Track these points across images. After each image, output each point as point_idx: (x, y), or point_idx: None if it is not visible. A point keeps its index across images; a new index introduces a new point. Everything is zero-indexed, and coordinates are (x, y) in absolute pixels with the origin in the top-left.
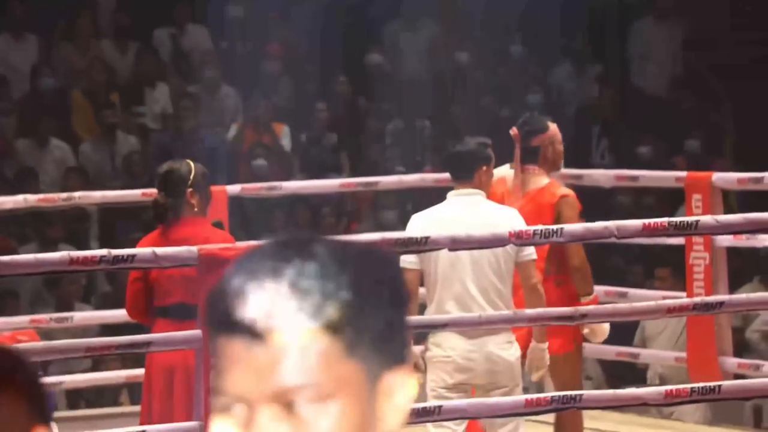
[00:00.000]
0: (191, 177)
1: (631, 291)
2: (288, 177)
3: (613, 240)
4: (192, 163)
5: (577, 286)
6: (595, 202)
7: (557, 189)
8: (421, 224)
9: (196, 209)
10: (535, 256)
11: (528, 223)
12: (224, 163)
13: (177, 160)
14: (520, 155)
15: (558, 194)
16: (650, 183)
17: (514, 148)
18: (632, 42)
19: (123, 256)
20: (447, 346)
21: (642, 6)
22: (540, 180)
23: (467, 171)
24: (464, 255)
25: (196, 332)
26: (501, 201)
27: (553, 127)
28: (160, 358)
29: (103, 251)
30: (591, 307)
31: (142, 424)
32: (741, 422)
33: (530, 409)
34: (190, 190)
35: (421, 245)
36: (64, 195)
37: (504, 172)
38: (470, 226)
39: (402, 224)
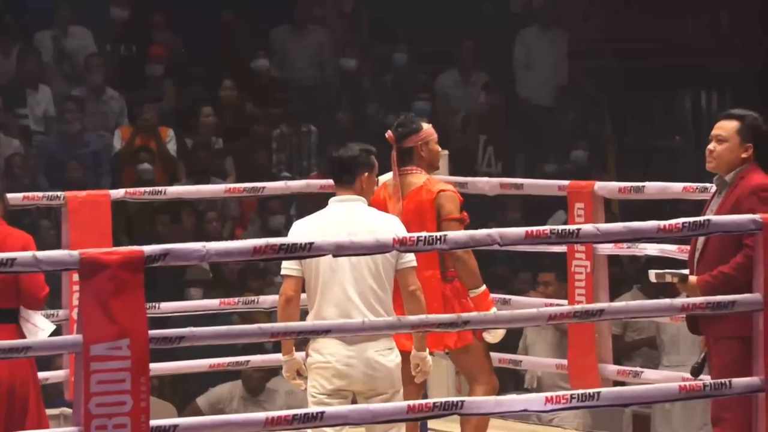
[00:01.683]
0: None
1: (514, 298)
2: (173, 181)
3: (496, 247)
4: None
5: (464, 281)
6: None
7: (434, 185)
8: (301, 231)
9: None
10: (414, 264)
11: (411, 222)
12: (108, 167)
13: None
14: (397, 157)
15: (435, 190)
16: (534, 191)
17: (392, 152)
18: (517, 51)
19: (3, 260)
20: (326, 353)
21: (527, 15)
22: (418, 179)
23: (349, 176)
24: (344, 261)
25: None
26: (384, 205)
27: (427, 127)
28: None
29: None
30: (473, 314)
31: None
32: (620, 429)
33: (412, 415)
34: None
35: (306, 251)
36: None
37: (387, 177)
38: (350, 233)
39: (288, 230)
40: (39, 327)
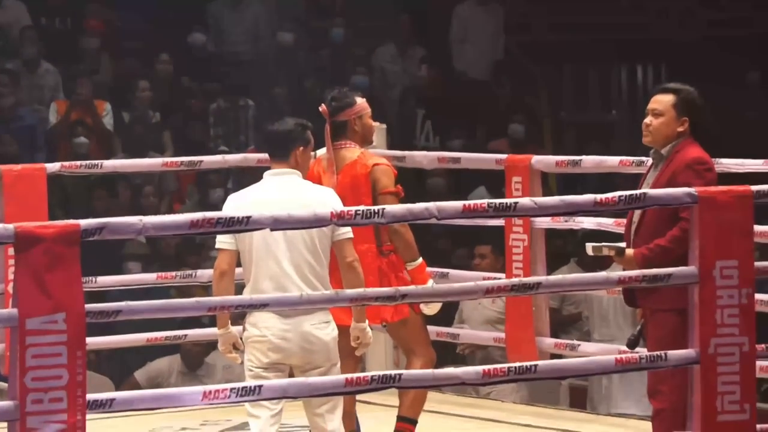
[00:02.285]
0: None
1: (453, 272)
2: (109, 155)
3: (434, 221)
4: None
5: (400, 254)
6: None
7: (369, 159)
8: (235, 204)
9: None
10: (350, 235)
11: (346, 196)
12: (43, 141)
13: None
14: (330, 131)
15: (370, 164)
16: (471, 165)
17: (325, 126)
18: (454, 25)
19: None
20: (262, 326)
21: None
22: (352, 153)
23: (283, 150)
24: (278, 234)
25: None
26: (318, 179)
27: (360, 101)
28: None
29: None
30: (411, 287)
31: None
32: (557, 402)
33: (350, 389)
34: None
35: (243, 225)
36: None
37: (322, 152)
38: (285, 206)
39: None
40: None
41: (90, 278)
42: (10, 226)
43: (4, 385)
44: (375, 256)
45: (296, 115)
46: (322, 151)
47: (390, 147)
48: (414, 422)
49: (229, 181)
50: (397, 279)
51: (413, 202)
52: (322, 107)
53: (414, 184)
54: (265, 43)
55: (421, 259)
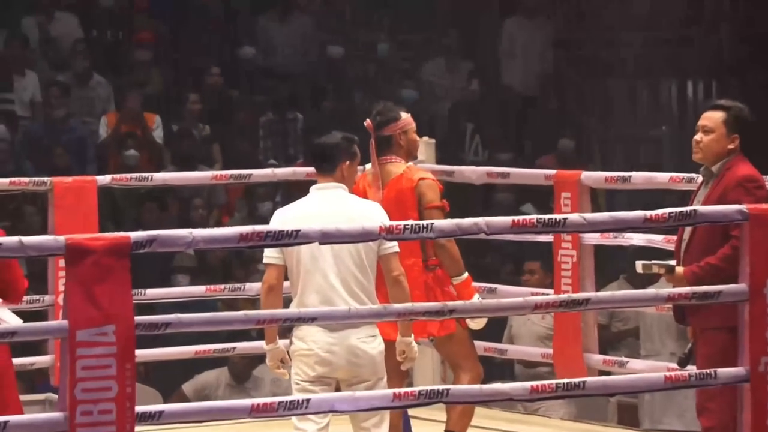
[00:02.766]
0: None
1: (501, 287)
2: (159, 168)
3: (482, 236)
4: None
5: (446, 269)
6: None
7: (415, 173)
8: (282, 218)
9: None
10: (397, 249)
11: (391, 211)
12: (94, 154)
13: None
14: (376, 146)
15: (415, 178)
16: (520, 180)
17: (370, 140)
18: (503, 39)
19: None
20: (309, 340)
21: (512, 4)
22: (398, 168)
23: (330, 164)
24: (326, 248)
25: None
26: (364, 194)
27: (405, 116)
28: None
29: None
30: (459, 303)
31: None
32: (605, 419)
33: (398, 403)
34: None
35: (292, 238)
36: None
37: (369, 167)
38: (331, 220)
39: None
40: (5, 321)
41: (139, 290)
42: (61, 238)
43: (54, 396)
44: (421, 271)
45: (344, 129)
46: (368, 166)
47: (438, 162)
48: None
49: (278, 195)
50: (443, 294)
51: (464, 216)
52: (367, 122)
53: (480, 197)
54: (313, 56)
55: (467, 274)
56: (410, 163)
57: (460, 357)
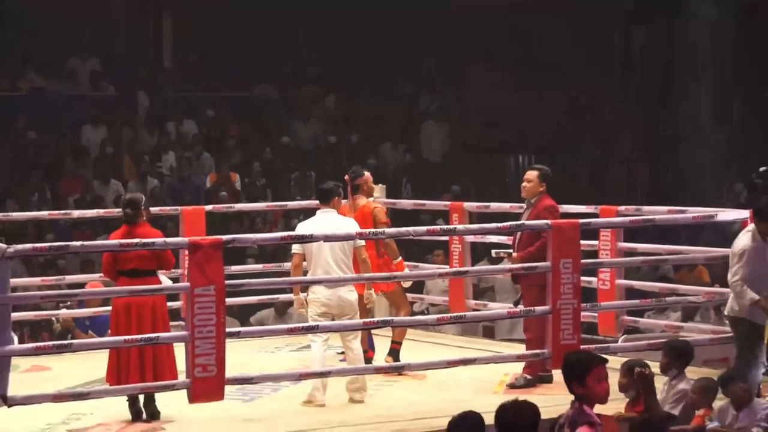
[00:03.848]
0: (143, 201)
1: (421, 265)
2: (237, 202)
3: (410, 237)
4: (141, 195)
5: (390, 255)
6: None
7: (372, 204)
8: (303, 228)
9: (145, 218)
10: (363, 244)
11: (361, 225)
12: (203, 194)
13: (136, 192)
14: (351, 189)
15: (372, 207)
16: (433, 207)
17: (347, 186)
18: (422, 136)
19: (150, 242)
20: (318, 293)
21: (428, 114)
22: (362, 201)
23: (327, 199)
24: (326, 244)
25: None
26: (344, 215)
27: (367, 174)
28: (119, 299)
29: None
30: (398, 273)
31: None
32: (476, 334)
33: (366, 327)
34: (143, 208)
35: (308, 239)
36: (117, 210)
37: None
38: (329, 229)
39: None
40: (163, 281)
41: (227, 267)
42: (186, 239)
43: (182, 323)
44: (375, 257)
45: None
46: (345, 201)
47: (387, 197)
48: (399, 343)
49: (301, 215)
50: (387, 268)
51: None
52: (346, 177)
53: (409, 218)
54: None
55: (400, 258)
56: (369, 199)
57: (399, 302)
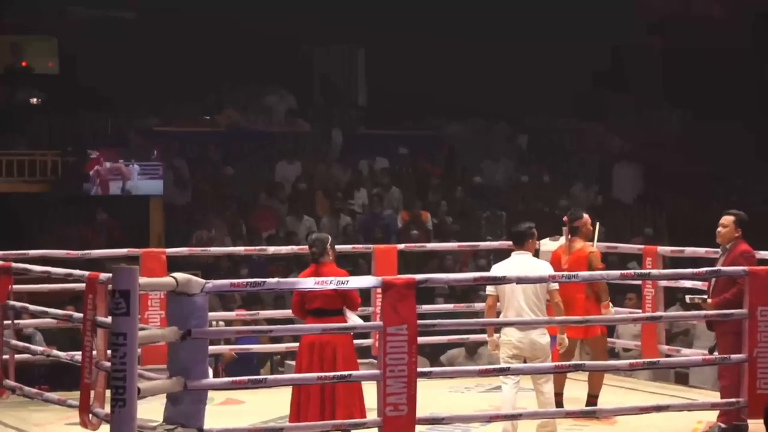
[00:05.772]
0: (329, 240)
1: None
2: (429, 241)
3: (603, 281)
4: (328, 234)
5: (600, 298)
6: None
7: (588, 249)
8: (497, 269)
9: (330, 257)
10: (557, 287)
11: (575, 267)
12: (395, 233)
13: (321, 232)
14: (569, 231)
15: (588, 251)
16: (625, 250)
17: (564, 227)
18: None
19: (341, 281)
20: (510, 335)
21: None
22: (578, 245)
23: (521, 241)
24: (518, 286)
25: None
26: (558, 258)
27: (586, 216)
28: (306, 337)
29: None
30: (591, 317)
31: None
32: (668, 380)
33: (558, 371)
34: (329, 247)
35: (500, 280)
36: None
37: (554, 241)
38: (522, 271)
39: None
40: (353, 320)
41: (418, 306)
42: (380, 278)
43: (374, 360)
44: (584, 300)
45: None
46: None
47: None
48: (596, 397)
49: (492, 256)
50: (595, 312)
51: None
52: (565, 218)
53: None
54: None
55: (608, 301)
56: (588, 244)
57: (599, 352)
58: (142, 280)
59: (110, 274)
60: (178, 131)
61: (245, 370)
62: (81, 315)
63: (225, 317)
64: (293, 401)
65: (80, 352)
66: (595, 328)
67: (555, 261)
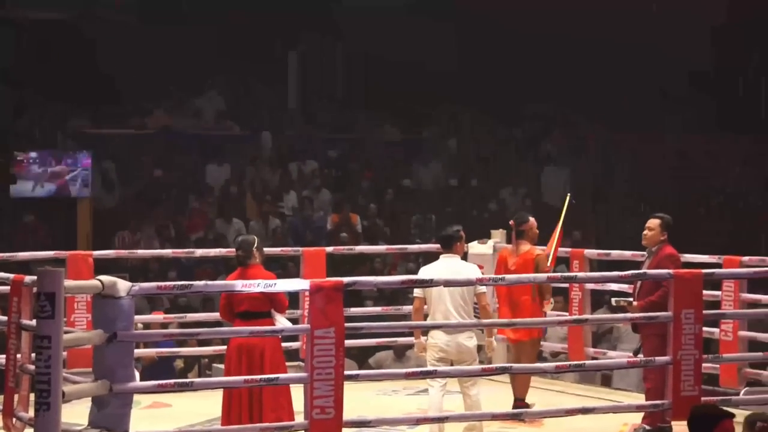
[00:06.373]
0: (255, 243)
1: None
2: (357, 244)
3: (530, 283)
4: (255, 237)
5: (543, 297)
6: None
7: (534, 251)
8: (424, 272)
9: (258, 260)
10: (484, 290)
11: (522, 270)
12: (325, 236)
13: (249, 235)
14: (515, 234)
15: (535, 253)
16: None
17: (512, 231)
18: None
19: (268, 284)
20: (437, 338)
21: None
22: (525, 247)
23: (449, 244)
24: (445, 289)
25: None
26: (505, 260)
27: (532, 219)
28: (234, 340)
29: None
30: (517, 320)
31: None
32: (594, 382)
33: (484, 373)
34: (255, 250)
35: (428, 283)
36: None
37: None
38: (449, 274)
39: (418, 272)
40: (281, 322)
41: (346, 308)
42: (307, 281)
43: (302, 364)
44: (530, 302)
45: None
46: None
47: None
48: (523, 400)
49: (420, 258)
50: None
51: None
52: (511, 222)
53: None
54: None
55: (547, 299)
56: (536, 247)
57: (527, 355)
58: (68, 282)
59: (35, 277)
60: (107, 133)
61: (166, 374)
62: (5, 318)
63: (152, 320)
64: (224, 404)
65: (4, 356)
66: (523, 330)
67: (501, 263)
